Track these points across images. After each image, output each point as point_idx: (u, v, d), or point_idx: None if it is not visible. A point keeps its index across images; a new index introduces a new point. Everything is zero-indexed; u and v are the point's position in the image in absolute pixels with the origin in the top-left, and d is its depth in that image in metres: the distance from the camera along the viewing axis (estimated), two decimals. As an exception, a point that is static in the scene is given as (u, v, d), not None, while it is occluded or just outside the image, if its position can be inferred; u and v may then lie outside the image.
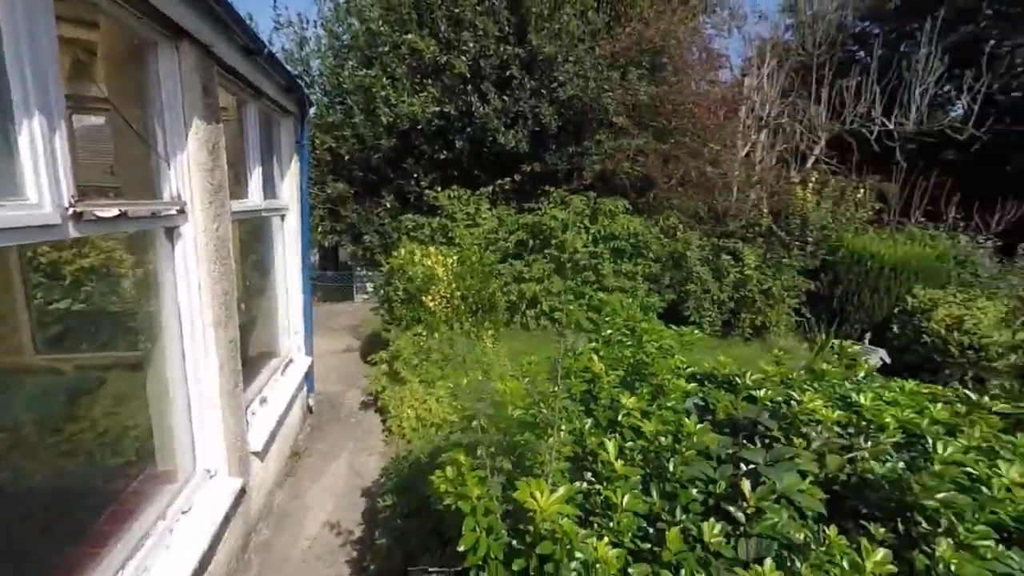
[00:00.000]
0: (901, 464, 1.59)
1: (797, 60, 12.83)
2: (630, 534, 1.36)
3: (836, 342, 2.66)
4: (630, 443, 1.75)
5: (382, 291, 5.46)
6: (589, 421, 1.80)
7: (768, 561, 1.17)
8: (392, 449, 4.06)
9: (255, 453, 2.85)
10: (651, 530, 1.36)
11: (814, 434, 1.70)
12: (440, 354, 4.52)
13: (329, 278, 10.22)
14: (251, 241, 3.72)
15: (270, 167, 3.68)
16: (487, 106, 8.42)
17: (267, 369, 3.64)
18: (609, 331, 2.16)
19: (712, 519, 1.33)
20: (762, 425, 1.81)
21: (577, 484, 1.52)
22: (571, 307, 7.71)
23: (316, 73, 10.22)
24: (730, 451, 1.65)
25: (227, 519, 2.43)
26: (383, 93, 8.56)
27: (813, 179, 10.50)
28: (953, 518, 1.26)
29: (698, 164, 9.32)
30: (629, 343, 2.19)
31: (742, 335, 8.43)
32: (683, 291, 8.66)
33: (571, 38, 8.52)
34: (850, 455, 1.69)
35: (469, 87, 8.53)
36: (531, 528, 1.22)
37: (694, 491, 1.50)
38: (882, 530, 1.34)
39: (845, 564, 1.19)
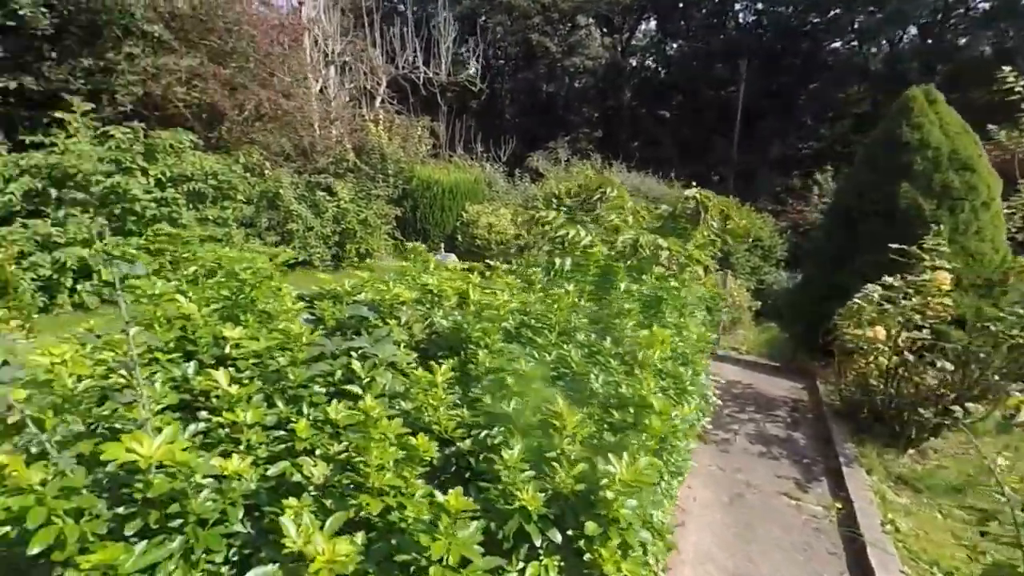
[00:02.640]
0: (458, 316, 2.21)
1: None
2: (263, 447, 1.40)
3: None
4: (247, 372, 1.71)
5: None
6: (191, 365, 1.63)
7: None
8: None
9: None
10: (283, 433, 1.44)
11: (402, 313, 2.13)
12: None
13: None
14: None
15: None
16: None
17: None
18: (193, 268, 1.91)
19: (334, 402, 1.52)
20: (365, 318, 2.11)
21: (192, 427, 1.41)
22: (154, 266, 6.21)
23: None
24: (343, 347, 1.87)
25: None
26: None
27: (381, 117, 11.73)
28: (485, 337, 1.91)
29: (271, 95, 8.74)
30: (218, 278, 2.03)
31: (351, 264, 9.02)
32: (285, 231, 8.36)
33: None
34: (428, 320, 2.22)
35: None
36: (141, 483, 1.07)
37: (316, 387, 1.65)
38: (449, 360, 1.87)
39: (425, 383, 1.62)
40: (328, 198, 9.06)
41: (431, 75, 14.14)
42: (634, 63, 28.42)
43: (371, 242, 9.31)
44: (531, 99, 25.36)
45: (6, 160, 5.72)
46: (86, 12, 6.60)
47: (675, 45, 27.76)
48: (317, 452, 1.37)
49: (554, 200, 11.05)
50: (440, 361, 1.81)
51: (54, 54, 6.58)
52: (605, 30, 26.58)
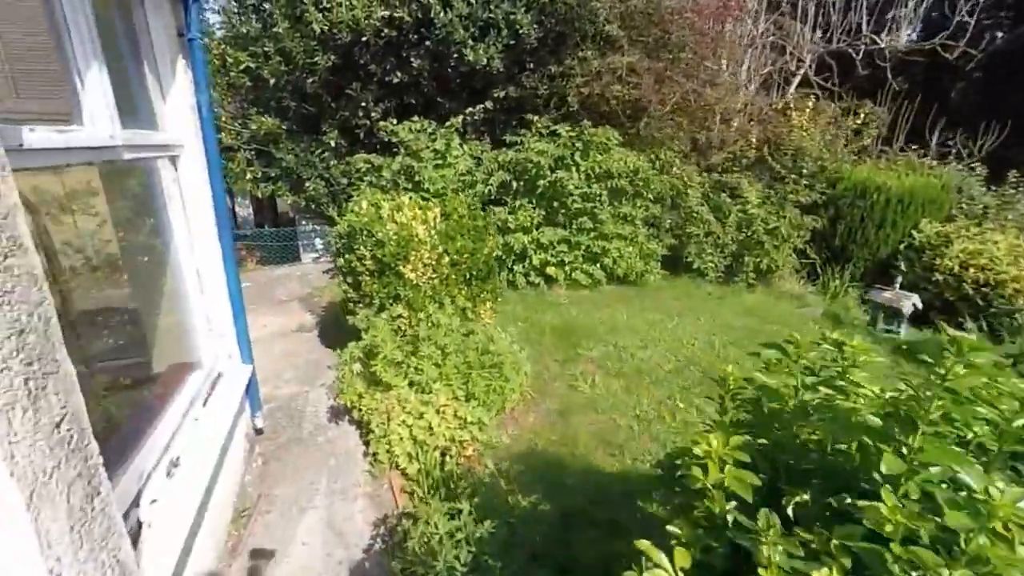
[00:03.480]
0: None
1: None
2: None
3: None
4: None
5: (342, 259, 4.09)
6: None
7: None
8: (381, 489, 2.94)
9: (161, 582, 1.65)
10: None
11: None
12: (434, 345, 3.33)
13: (267, 236, 8.48)
14: (116, 202, 2.27)
15: (131, 77, 2.17)
16: (450, 11, 6.70)
17: (177, 403, 2.34)
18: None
19: None
20: None
21: None
22: (567, 258, 6.65)
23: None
24: None
25: None
26: (312, -9, 6.60)
27: (809, 105, 9.58)
28: None
29: (694, 86, 8.11)
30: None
31: (745, 280, 7.70)
32: (683, 234, 7.74)
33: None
34: None
35: (425, -15, 6.74)
36: None
37: None
38: None
39: None
40: (730, 200, 7.92)
41: (882, 45, 10.82)
42: None
43: (776, 257, 7.69)
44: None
45: (490, 156, 6.97)
46: (562, 23, 7.35)
47: None
48: None
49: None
50: None
51: (531, 64, 7.66)
52: None
